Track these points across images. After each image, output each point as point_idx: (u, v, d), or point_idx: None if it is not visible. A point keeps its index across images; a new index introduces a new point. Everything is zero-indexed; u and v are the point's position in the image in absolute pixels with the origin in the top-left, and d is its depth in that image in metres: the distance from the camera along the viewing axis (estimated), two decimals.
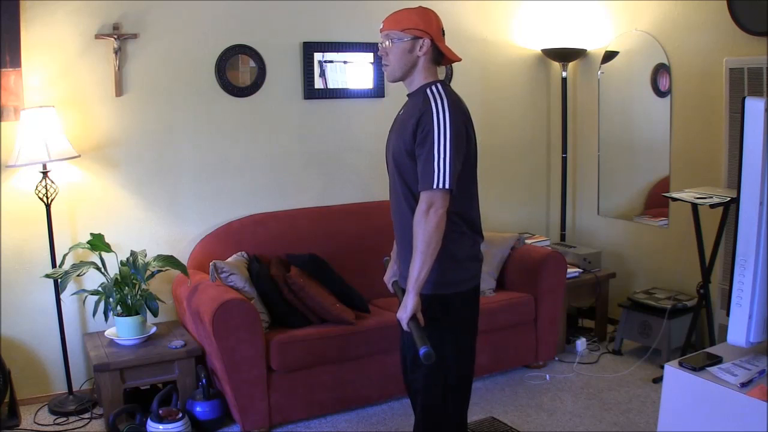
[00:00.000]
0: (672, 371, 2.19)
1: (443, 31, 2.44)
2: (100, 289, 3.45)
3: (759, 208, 2.02)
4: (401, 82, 2.47)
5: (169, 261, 3.50)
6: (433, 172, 2.25)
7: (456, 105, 2.34)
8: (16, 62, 3.45)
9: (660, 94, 4.46)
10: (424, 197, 2.28)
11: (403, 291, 2.35)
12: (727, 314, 2.15)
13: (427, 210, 2.26)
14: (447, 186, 2.24)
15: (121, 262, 3.50)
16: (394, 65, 2.40)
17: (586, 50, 4.85)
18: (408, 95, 2.46)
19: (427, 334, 2.25)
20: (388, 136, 2.51)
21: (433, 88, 2.36)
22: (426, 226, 2.25)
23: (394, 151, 2.42)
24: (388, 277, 2.66)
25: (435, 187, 2.25)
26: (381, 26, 2.42)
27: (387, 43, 2.39)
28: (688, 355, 2.27)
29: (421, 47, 2.37)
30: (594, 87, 4.87)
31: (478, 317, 2.56)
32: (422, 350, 2.16)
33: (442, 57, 2.44)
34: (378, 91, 4.37)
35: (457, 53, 2.48)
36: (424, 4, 4.02)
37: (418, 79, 2.41)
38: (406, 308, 2.28)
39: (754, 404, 1.95)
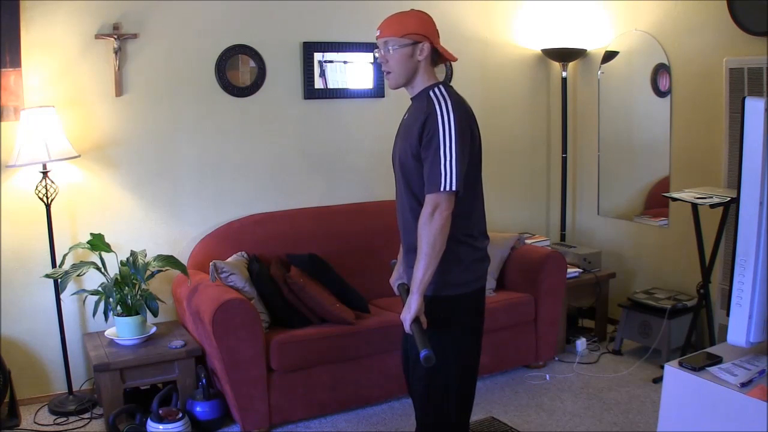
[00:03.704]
0: (672, 371, 2.19)
1: (437, 32, 2.43)
2: (100, 289, 3.45)
3: (759, 208, 2.01)
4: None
5: (169, 261, 3.50)
6: (440, 174, 2.24)
7: (460, 105, 2.34)
8: (16, 62, 3.46)
9: (660, 94, 4.46)
10: (429, 199, 2.27)
11: (408, 292, 2.35)
12: (727, 314, 2.15)
13: (432, 212, 2.25)
14: (453, 188, 2.24)
15: (121, 262, 3.50)
16: (397, 72, 2.38)
17: (586, 50, 4.85)
18: (411, 99, 2.46)
19: (429, 336, 2.25)
20: (394, 142, 2.50)
21: (436, 90, 2.35)
22: (431, 228, 2.25)
23: (400, 156, 2.42)
24: (394, 280, 2.65)
25: (441, 189, 2.24)
26: (377, 33, 2.40)
27: (387, 50, 2.37)
28: (688, 355, 2.27)
29: (421, 51, 2.36)
30: (594, 87, 4.88)
31: (483, 319, 2.55)
32: (423, 353, 2.15)
33: (439, 57, 2.44)
34: (378, 91, 4.37)
35: (456, 53, 2.47)
36: (426, 5, 4.02)
37: (420, 83, 2.40)
38: (410, 309, 2.28)
39: (754, 404, 1.95)
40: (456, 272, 2.38)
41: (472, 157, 2.36)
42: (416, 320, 2.28)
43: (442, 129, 2.26)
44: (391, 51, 2.36)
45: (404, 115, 2.48)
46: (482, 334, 2.55)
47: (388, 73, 2.40)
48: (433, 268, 2.27)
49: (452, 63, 4.52)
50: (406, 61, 2.36)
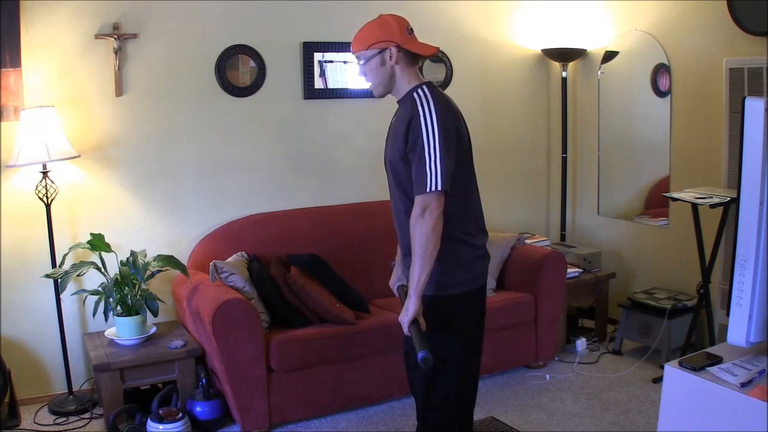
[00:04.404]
0: (672, 371, 2.19)
1: (410, 29, 2.41)
2: (100, 289, 3.45)
3: (759, 208, 2.01)
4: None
5: (169, 261, 3.51)
6: (426, 175, 2.25)
7: (443, 105, 2.33)
8: (16, 62, 3.45)
9: (660, 94, 4.46)
10: (418, 201, 2.28)
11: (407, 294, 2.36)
12: (727, 314, 2.15)
13: (422, 213, 2.26)
14: (439, 188, 2.24)
15: (121, 262, 3.50)
16: (374, 83, 2.42)
17: (586, 50, 4.85)
18: (398, 102, 2.46)
19: (429, 336, 2.25)
20: (385, 145, 2.51)
21: (419, 91, 2.35)
22: (422, 229, 2.25)
23: (390, 158, 2.43)
24: (393, 282, 2.65)
25: (428, 190, 2.25)
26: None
27: (361, 64, 2.41)
28: (688, 355, 2.27)
29: (390, 57, 2.36)
30: (594, 87, 4.87)
31: (484, 318, 2.55)
32: (420, 354, 2.16)
33: (417, 56, 2.42)
34: None
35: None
36: (427, 5, 4.01)
37: (403, 86, 2.40)
38: (408, 312, 2.28)
39: (754, 404, 1.95)
40: (456, 271, 2.38)
41: (461, 155, 2.36)
42: (414, 322, 2.28)
43: (425, 129, 2.27)
44: (363, 64, 2.40)
45: (392, 119, 2.49)
46: (483, 333, 2.55)
47: (369, 84, 2.45)
48: (429, 268, 2.27)
49: (452, 63, 4.52)
50: (379, 70, 2.39)
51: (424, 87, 2.37)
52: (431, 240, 2.25)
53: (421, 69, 2.49)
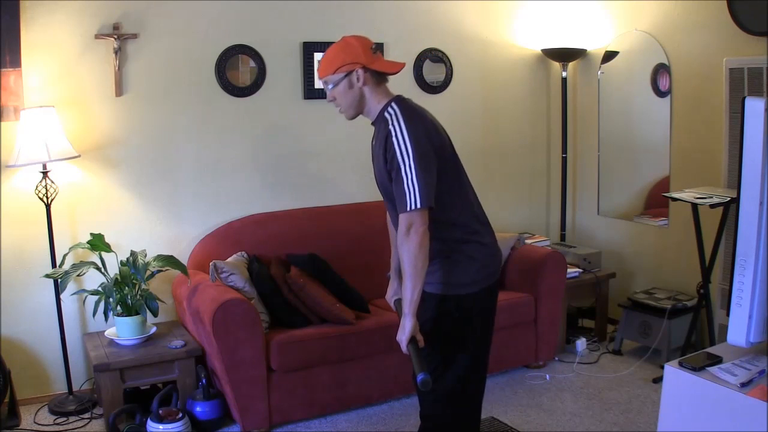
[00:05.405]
0: (672, 371, 2.19)
1: (374, 48, 2.41)
2: (100, 289, 3.46)
3: (759, 208, 2.02)
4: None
5: (169, 261, 3.51)
6: (405, 194, 2.25)
7: (413, 118, 2.32)
8: (16, 62, 3.46)
9: (660, 94, 4.46)
10: (402, 219, 2.27)
11: None
12: (727, 314, 2.15)
13: (407, 231, 2.25)
14: (419, 205, 2.23)
15: (121, 262, 3.50)
16: (344, 106, 2.43)
17: (586, 50, 4.85)
18: (372, 124, 2.46)
19: (434, 335, 2.24)
20: (372, 166, 2.52)
21: (389, 109, 2.36)
22: (409, 246, 2.25)
23: (379, 178, 2.44)
24: (390, 296, 2.64)
25: (409, 208, 2.24)
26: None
27: (329, 88, 2.42)
28: (688, 355, 2.27)
29: (358, 79, 2.36)
30: (594, 87, 4.87)
31: (492, 317, 2.54)
32: (420, 377, 2.14)
33: (384, 74, 2.41)
34: None
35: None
36: (426, 5, 4.00)
37: (374, 106, 2.40)
38: (405, 330, 2.28)
39: (754, 404, 1.95)
40: (462, 271, 2.37)
41: (443, 163, 2.34)
42: (412, 340, 2.27)
43: (398, 147, 2.27)
44: (332, 88, 2.40)
45: (372, 141, 2.49)
46: (492, 332, 2.54)
47: (338, 107, 2.45)
48: (421, 285, 2.27)
49: (452, 63, 4.52)
50: (348, 93, 2.39)
51: (393, 104, 2.36)
52: (419, 257, 2.25)
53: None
